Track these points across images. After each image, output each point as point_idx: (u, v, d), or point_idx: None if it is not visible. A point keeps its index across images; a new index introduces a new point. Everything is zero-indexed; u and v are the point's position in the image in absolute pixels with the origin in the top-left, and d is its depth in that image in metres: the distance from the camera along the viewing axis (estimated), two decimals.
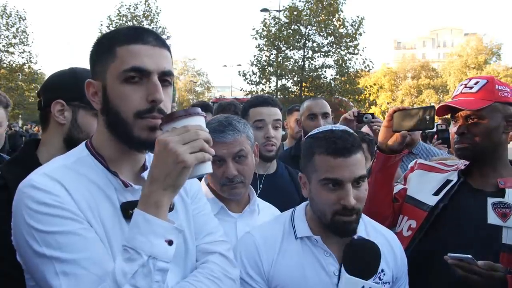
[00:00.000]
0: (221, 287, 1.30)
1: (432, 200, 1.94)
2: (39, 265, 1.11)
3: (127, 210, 1.23)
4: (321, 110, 3.25)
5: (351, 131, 1.60)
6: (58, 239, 1.10)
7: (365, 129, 3.35)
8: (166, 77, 1.26)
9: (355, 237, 1.58)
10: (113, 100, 1.22)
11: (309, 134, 1.67)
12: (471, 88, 1.91)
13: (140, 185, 1.28)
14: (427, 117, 1.83)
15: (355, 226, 1.53)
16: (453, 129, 1.93)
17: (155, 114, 1.21)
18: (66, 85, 1.76)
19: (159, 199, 1.11)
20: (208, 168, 1.16)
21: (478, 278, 1.60)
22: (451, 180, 1.97)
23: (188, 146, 1.10)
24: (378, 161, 1.97)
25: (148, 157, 1.40)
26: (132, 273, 1.05)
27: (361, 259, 1.44)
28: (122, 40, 1.23)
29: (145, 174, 1.31)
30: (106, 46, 1.26)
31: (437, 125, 4.14)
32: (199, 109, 1.19)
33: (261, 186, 2.42)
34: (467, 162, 1.98)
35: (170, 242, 1.10)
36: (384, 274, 1.60)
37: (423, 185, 2.03)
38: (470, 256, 1.61)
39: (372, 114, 3.02)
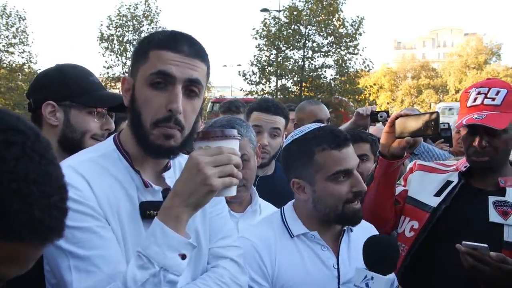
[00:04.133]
0: None
1: (433, 201, 1.94)
2: (55, 256, 1.14)
3: (145, 210, 1.24)
4: (326, 116, 3.24)
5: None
6: (75, 234, 1.12)
7: (372, 129, 3.33)
8: (192, 87, 1.24)
9: (345, 229, 1.65)
10: (138, 101, 1.24)
11: (295, 138, 1.64)
12: (493, 99, 1.84)
13: (160, 186, 1.29)
14: (432, 122, 1.82)
15: (362, 213, 1.60)
16: (468, 139, 1.88)
17: (171, 124, 1.21)
18: (54, 84, 1.71)
19: (179, 214, 1.13)
20: (232, 191, 1.18)
21: (488, 269, 1.60)
22: (452, 181, 1.97)
23: (218, 169, 1.12)
24: (380, 167, 1.95)
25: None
26: (143, 281, 1.07)
27: (381, 255, 1.47)
28: (156, 44, 1.23)
29: (166, 174, 1.32)
30: (143, 47, 1.26)
31: None
32: (235, 132, 1.19)
33: (254, 187, 2.42)
34: (468, 164, 1.97)
35: (183, 256, 1.12)
36: None
37: (424, 186, 2.02)
38: (486, 245, 1.61)
39: (387, 112, 2.93)
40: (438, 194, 1.96)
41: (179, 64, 1.21)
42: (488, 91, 1.87)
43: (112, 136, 1.35)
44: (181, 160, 1.45)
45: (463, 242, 1.64)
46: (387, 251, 1.49)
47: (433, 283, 1.83)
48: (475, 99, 1.89)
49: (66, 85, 1.70)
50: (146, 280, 1.07)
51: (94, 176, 1.20)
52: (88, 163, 1.23)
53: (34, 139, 0.66)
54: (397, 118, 1.93)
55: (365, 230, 1.70)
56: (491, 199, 1.82)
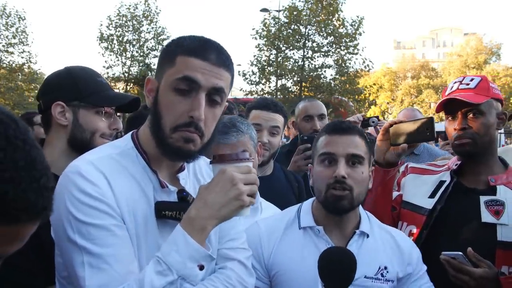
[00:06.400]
0: None
1: (428, 203, 1.95)
2: (69, 250, 1.17)
3: (160, 210, 1.26)
4: (317, 112, 3.20)
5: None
6: (90, 231, 1.15)
7: (371, 129, 3.35)
8: (216, 95, 1.25)
9: (357, 232, 1.64)
10: (160, 104, 1.25)
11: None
12: (467, 84, 1.93)
13: (175, 187, 1.31)
14: (427, 128, 1.85)
15: (346, 204, 1.59)
16: (450, 126, 1.93)
17: (191, 129, 1.23)
18: (63, 85, 1.75)
19: (206, 226, 1.17)
20: (247, 211, 1.23)
21: (468, 279, 1.63)
22: (445, 181, 1.98)
23: (248, 188, 1.18)
24: (377, 175, 1.95)
25: None
26: (160, 287, 1.10)
27: (336, 268, 1.38)
28: (185, 50, 1.24)
29: (181, 176, 1.34)
30: (170, 51, 1.28)
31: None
32: (248, 154, 1.26)
33: None
34: (459, 162, 1.99)
35: (201, 267, 1.16)
36: (387, 272, 1.62)
37: (418, 189, 2.03)
38: (460, 253, 1.64)
39: (377, 117, 3.08)
40: (432, 195, 1.97)
41: (205, 72, 1.22)
42: (463, 79, 1.98)
43: (130, 134, 1.36)
44: (195, 161, 1.46)
45: (443, 252, 1.67)
46: (340, 264, 1.39)
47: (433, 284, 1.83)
48: (451, 88, 1.99)
49: (75, 86, 1.75)
50: (163, 287, 1.10)
51: (113, 173, 1.22)
52: (107, 160, 1.25)
53: (14, 126, 0.69)
54: (391, 125, 1.95)
55: (391, 240, 1.70)
56: (483, 199, 1.84)
